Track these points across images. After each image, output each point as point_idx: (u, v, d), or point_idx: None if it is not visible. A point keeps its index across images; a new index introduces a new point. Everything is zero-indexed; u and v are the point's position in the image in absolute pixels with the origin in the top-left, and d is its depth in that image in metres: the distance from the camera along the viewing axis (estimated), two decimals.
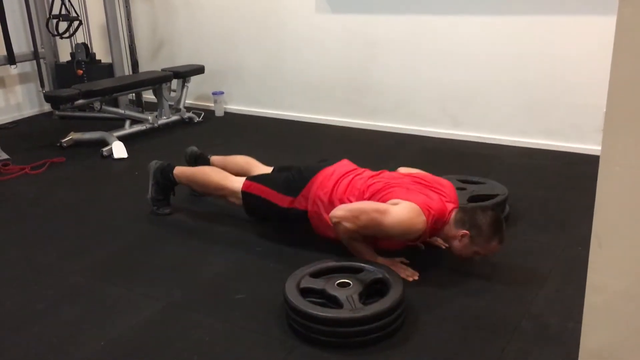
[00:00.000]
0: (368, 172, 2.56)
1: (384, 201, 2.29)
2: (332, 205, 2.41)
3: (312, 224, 2.53)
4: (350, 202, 2.38)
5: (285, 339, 2.00)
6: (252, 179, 2.70)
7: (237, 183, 2.70)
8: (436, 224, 2.26)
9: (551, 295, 2.21)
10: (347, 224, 2.24)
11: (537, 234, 2.69)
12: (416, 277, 2.30)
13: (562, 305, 2.13)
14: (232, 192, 2.70)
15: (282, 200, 2.56)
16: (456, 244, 2.26)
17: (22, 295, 2.33)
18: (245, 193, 2.65)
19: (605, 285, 1.17)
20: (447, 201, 2.33)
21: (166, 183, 2.94)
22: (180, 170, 2.91)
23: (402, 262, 2.37)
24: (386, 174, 2.52)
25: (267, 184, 2.63)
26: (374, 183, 2.41)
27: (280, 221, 2.69)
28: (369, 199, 2.35)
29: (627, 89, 1.03)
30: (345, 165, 2.61)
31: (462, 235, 2.22)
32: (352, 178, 2.49)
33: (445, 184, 2.44)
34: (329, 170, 2.55)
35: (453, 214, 2.28)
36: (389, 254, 2.39)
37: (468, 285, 2.29)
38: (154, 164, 2.97)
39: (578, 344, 1.25)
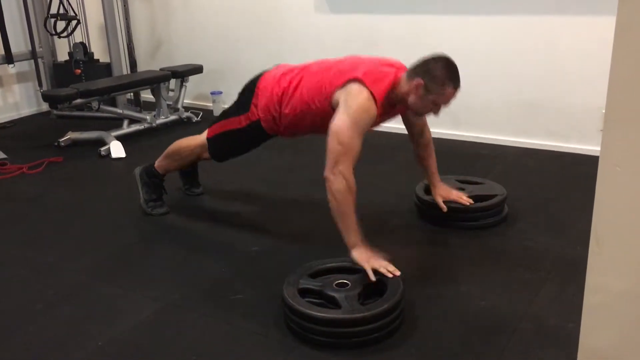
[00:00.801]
0: (308, 66, 2.51)
1: (321, 94, 2.29)
2: (280, 102, 2.44)
3: (268, 128, 2.54)
4: (295, 93, 2.39)
5: (283, 340, 1.99)
6: (211, 124, 2.76)
7: (203, 136, 2.76)
8: (386, 95, 2.21)
9: (550, 296, 2.21)
10: (343, 177, 2.10)
11: (536, 234, 2.69)
12: (397, 274, 2.08)
13: (562, 305, 2.13)
14: (202, 146, 2.75)
15: (239, 122, 2.59)
16: (412, 99, 2.22)
17: (19, 295, 2.32)
18: (209, 139, 2.71)
19: (604, 286, 1.17)
20: (384, 65, 2.29)
21: (154, 181, 2.95)
22: (157, 160, 2.95)
23: (383, 258, 2.17)
24: (322, 63, 2.46)
25: (222, 117, 2.70)
26: (316, 72, 2.40)
27: (246, 147, 2.71)
28: (309, 87, 2.36)
29: (627, 89, 1.03)
30: (283, 66, 2.61)
31: (416, 86, 2.18)
32: (297, 72, 2.47)
33: (380, 60, 2.37)
34: (269, 73, 2.58)
35: (403, 73, 2.25)
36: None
37: (467, 286, 2.29)
38: (137, 169, 3.01)
39: (577, 345, 1.25)
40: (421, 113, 2.28)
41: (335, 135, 2.14)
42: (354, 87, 2.20)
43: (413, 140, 2.70)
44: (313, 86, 2.37)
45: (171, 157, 2.91)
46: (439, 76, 2.16)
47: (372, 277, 2.03)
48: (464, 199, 2.67)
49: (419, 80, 2.17)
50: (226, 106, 4.94)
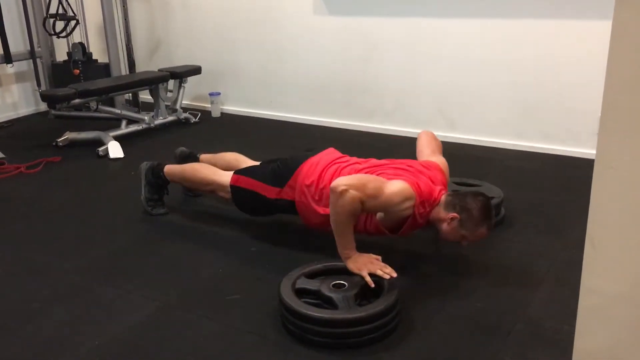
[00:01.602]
0: (354, 159, 2.55)
1: None
2: (319, 193, 2.41)
3: (300, 213, 2.53)
4: None
5: (280, 340, 2.00)
6: (240, 172, 2.71)
7: (226, 177, 2.71)
8: (425, 205, 2.24)
9: (546, 298, 2.22)
10: (354, 192, 2.11)
11: (532, 237, 2.70)
12: (394, 275, 2.12)
13: (558, 307, 2.14)
14: (221, 186, 2.71)
15: (269, 192, 2.57)
16: (444, 226, 2.25)
17: (17, 295, 2.32)
18: (233, 187, 2.66)
19: (599, 288, 1.17)
20: (435, 184, 2.32)
21: (158, 182, 2.95)
22: (170, 168, 2.92)
23: (376, 259, 2.22)
24: (373, 161, 2.51)
25: (254, 176, 2.64)
26: (362, 169, 2.41)
27: (269, 213, 2.69)
28: None
29: (622, 93, 1.04)
30: (330, 153, 2.61)
31: (452, 218, 2.21)
32: (339, 166, 2.48)
33: (433, 167, 2.42)
34: (314, 159, 2.55)
35: (443, 197, 2.27)
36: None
37: (463, 288, 2.30)
38: (144, 164, 2.98)
39: (572, 347, 1.26)
40: (449, 241, 2.31)
41: (382, 182, 2.20)
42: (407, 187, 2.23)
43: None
44: None
45: (186, 179, 2.89)
46: (476, 216, 2.19)
47: (372, 284, 2.06)
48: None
49: (455, 215, 2.21)
50: (224, 107, 5.04)
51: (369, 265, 2.11)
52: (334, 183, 2.16)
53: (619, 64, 1.03)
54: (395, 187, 2.19)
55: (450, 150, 3.95)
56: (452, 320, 2.10)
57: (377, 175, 2.33)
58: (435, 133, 2.61)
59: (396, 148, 4.02)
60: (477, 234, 2.23)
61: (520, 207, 2.96)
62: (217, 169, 2.82)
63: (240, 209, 2.76)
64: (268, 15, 4.65)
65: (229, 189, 2.68)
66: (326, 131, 4.49)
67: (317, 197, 2.41)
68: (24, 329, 2.10)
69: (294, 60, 4.65)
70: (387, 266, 2.12)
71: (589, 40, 3.52)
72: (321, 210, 2.38)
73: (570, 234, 2.68)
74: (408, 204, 2.19)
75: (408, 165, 2.41)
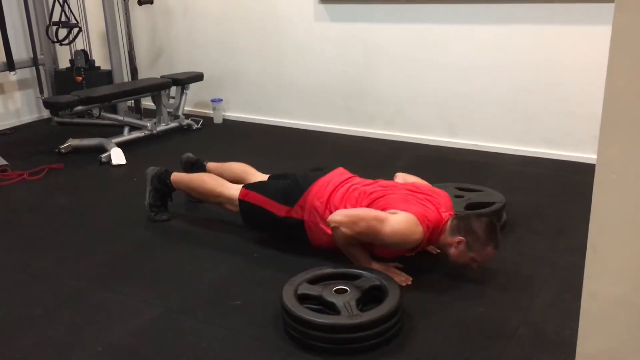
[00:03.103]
0: (364, 181, 2.57)
1: (382, 210, 2.30)
2: (328, 214, 2.41)
3: (308, 233, 2.53)
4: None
5: (282, 346, 2.00)
6: (249, 187, 2.71)
7: (234, 190, 2.71)
8: (433, 234, 2.28)
9: (548, 302, 2.22)
10: (344, 230, 2.25)
11: (534, 241, 2.70)
12: (409, 282, 2.31)
13: (559, 311, 2.14)
14: (229, 199, 2.71)
15: (279, 210, 2.57)
16: (452, 251, 2.27)
17: (19, 301, 2.33)
18: (242, 201, 2.66)
19: (601, 292, 1.17)
20: (442, 211, 2.34)
21: (163, 189, 2.95)
22: (177, 177, 2.92)
23: (396, 267, 2.38)
24: (382, 182, 2.53)
25: (264, 192, 2.63)
26: (371, 192, 2.43)
27: (277, 230, 2.68)
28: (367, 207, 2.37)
29: (622, 98, 1.05)
30: (340, 174, 2.62)
31: (458, 242, 2.24)
32: (349, 187, 2.50)
33: (441, 194, 2.46)
34: (324, 179, 2.56)
35: (448, 222, 2.30)
36: (384, 260, 2.41)
37: (465, 292, 2.30)
38: (151, 170, 2.98)
39: (574, 351, 1.26)
40: (459, 264, 2.33)
41: (381, 221, 2.22)
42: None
43: None
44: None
45: (193, 190, 2.89)
46: (482, 238, 2.22)
47: (408, 281, 2.31)
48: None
49: (461, 238, 2.23)
50: (226, 114, 5.05)
51: (391, 271, 2.32)
52: (329, 218, 2.32)
53: (619, 69, 1.04)
54: (398, 225, 2.21)
55: (451, 155, 3.97)
56: (454, 324, 2.10)
57: (386, 199, 2.35)
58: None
59: (397, 153, 4.03)
60: (485, 254, 2.25)
61: (521, 212, 2.96)
62: (225, 181, 2.80)
63: (246, 223, 2.75)
64: (269, 21, 4.66)
65: (237, 203, 2.68)
66: (327, 137, 4.50)
67: (326, 218, 2.41)
68: (26, 334, 2.10)
69: (296, 66, 4.66)
70: (403, 274, 2.33)
71: (588, 45, 3.53)
72: (329, 230, 2.38)
73: (571, 239, 2.68)
74: (415, 237, 2.23)
75: (416, 190, 2.43)
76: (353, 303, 2.00)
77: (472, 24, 3.89)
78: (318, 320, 1.93)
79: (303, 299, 2.05)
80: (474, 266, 2.30)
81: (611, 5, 1.03)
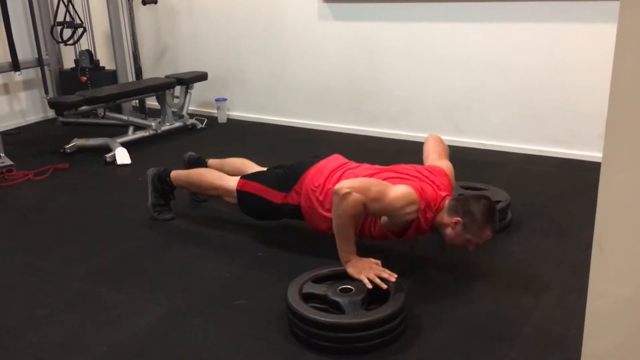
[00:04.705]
0: (360, 165, 2.56)
1: None
2: (325, 198, 2.41)
3: (305, 218, 2.54)
4: None
5: (287, 345, 2.00)
6: (246, 177, 2.72)
7: (232, 182, 2.73)
8: (429, 210, 2.25)
9: (554, 302, 2.21)
10: (357, 195, 2.14)
11: (539, 241, 2.69)
12: (393, 279, 2.12)
13: (565, 311, 2.13)
14: (227, 191, 2.73)
15: (275, 197, 2.58)
16: (449, 231, 2.25)
17: (24, 301, 2.33)
18: (240, 192, 2.68)
19: (607, 292, 1.17)
20: (439, 190, 2.32)
21: (164, 188, 2.97)
22: (176, 174, 2.94)
23: (375, 264, 2.21)
24: (378, 166, 2.53)
25: (260, 181, 2.65)
26: (368, 174, 2.42)
27: (275, 217, 2.71)
28: None
29: (628, 96, 1.04)
30: (336, 159, 2.62)
31: (455, 223, 2.21)
32: (344, 171, 2.49)
33: (438, 172, 2.43)
34: (320, 165, 2.56)
35: (446, 202, 2.28)
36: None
37: (470, 292, 2.29)
38: (151, 171, 3.00)
39: (580, 351, 1.25)
40: (455, 246, 2.30)
41: (386, 186, 2.21)
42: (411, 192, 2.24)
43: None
44: None
45: (191, 183, 2.90)
46: (479, 220, 2.19)
47: (369, 285, 2.07)
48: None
49: (458, 219, 2.21)
50: (231, 113, 5.05)
51: (368, 271, 2.13)
52: (338, 185, 2.19)
53: (624, 67, 1.03)
54: (399, 191, 2.20)
55: (456, 154, 3.95)
56: (459, 324, 2.09)
57: (382, 176, 2.35)
58: (442, 137, 2.63)
59: (402, 153, 4.02)
60: (482, 236, 2.22)
61: (527, 210, 2.96)
62: (223, 174, 2.84)
63: (246, 213, 2.77)
64: (273, 20, 4.66)
65: (235, 194, 2.70)
66: (332, 136, 4.50)
67: (323, 202, 2.43)
68: (31, 335, 2.11)
69: (300, 65, 4.66)
70: (386, 270, 2.13)
71: (595, 44, 3.51)
72: (327, 214, 2.38)
73: (577, 238, 2.67)
74: (412, 208, 2.20)
75: (415, 170, 2.41)
76: (358, 302, 1.99)
77: (478, 22, 3.87)
78: (323, 319, 1.92)
79: (308, 298, 2.05)
80: (470, 248, 2.26)
81: (618, 3, 1.02)
